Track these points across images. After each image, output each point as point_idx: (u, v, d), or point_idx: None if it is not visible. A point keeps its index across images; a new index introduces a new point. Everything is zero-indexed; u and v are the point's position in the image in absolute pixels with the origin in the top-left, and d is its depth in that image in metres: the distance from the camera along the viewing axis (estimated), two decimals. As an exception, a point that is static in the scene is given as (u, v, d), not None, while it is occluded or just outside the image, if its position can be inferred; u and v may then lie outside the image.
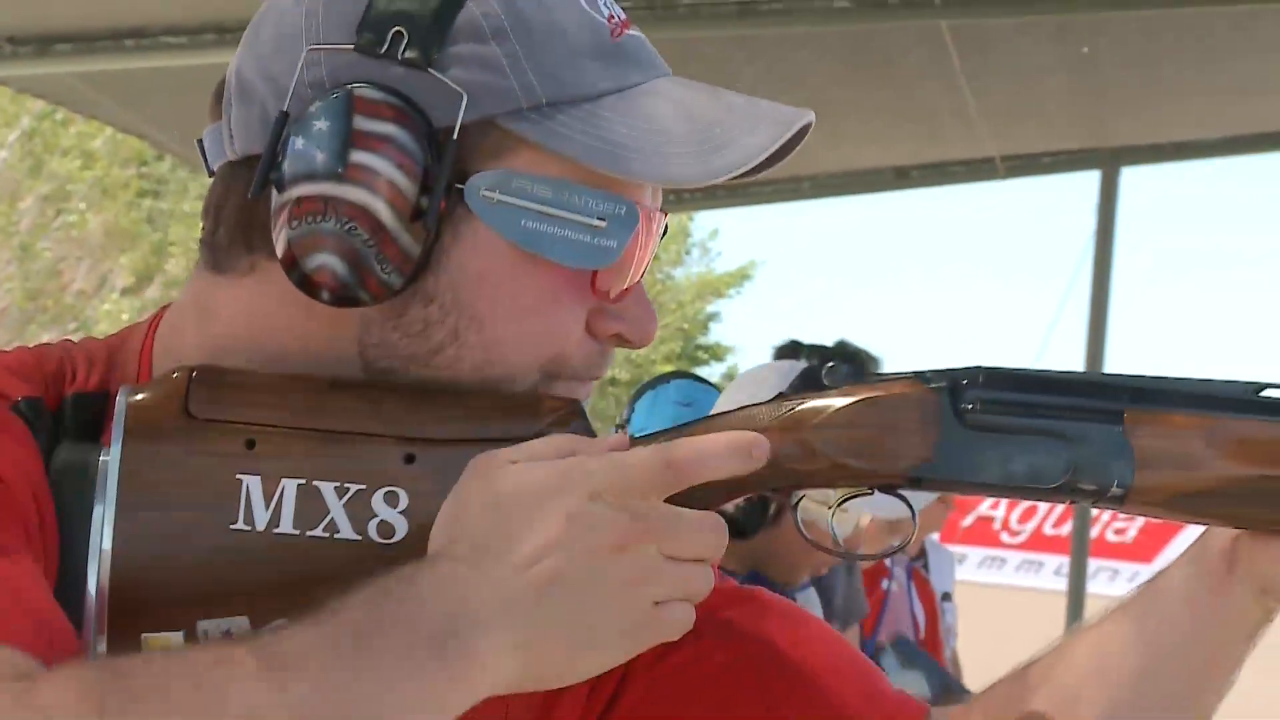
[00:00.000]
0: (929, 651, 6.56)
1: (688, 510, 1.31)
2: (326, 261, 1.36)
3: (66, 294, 22.86)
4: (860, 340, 4.80)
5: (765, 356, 4.36)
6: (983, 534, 13.69)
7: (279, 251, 1.37)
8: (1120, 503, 1.37)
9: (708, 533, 1.31)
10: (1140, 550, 13.80)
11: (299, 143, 1.36)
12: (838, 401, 1.37)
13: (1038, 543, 13.95)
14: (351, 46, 1.38)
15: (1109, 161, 8.09)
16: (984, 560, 13.64)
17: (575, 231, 1.38)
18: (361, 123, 1.35)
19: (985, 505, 13.72)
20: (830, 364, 1.39)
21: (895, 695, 1.56)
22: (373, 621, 1.22)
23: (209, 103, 1.48)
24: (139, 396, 1.37)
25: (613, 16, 1.43)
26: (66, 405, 1.42)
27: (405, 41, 1.37)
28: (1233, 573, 1.40)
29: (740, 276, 29.26)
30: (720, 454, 1.33)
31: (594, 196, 1.38)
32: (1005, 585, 13.37)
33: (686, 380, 4.44)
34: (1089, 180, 8.24)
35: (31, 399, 1.40)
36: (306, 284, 1.37)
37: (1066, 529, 11.13)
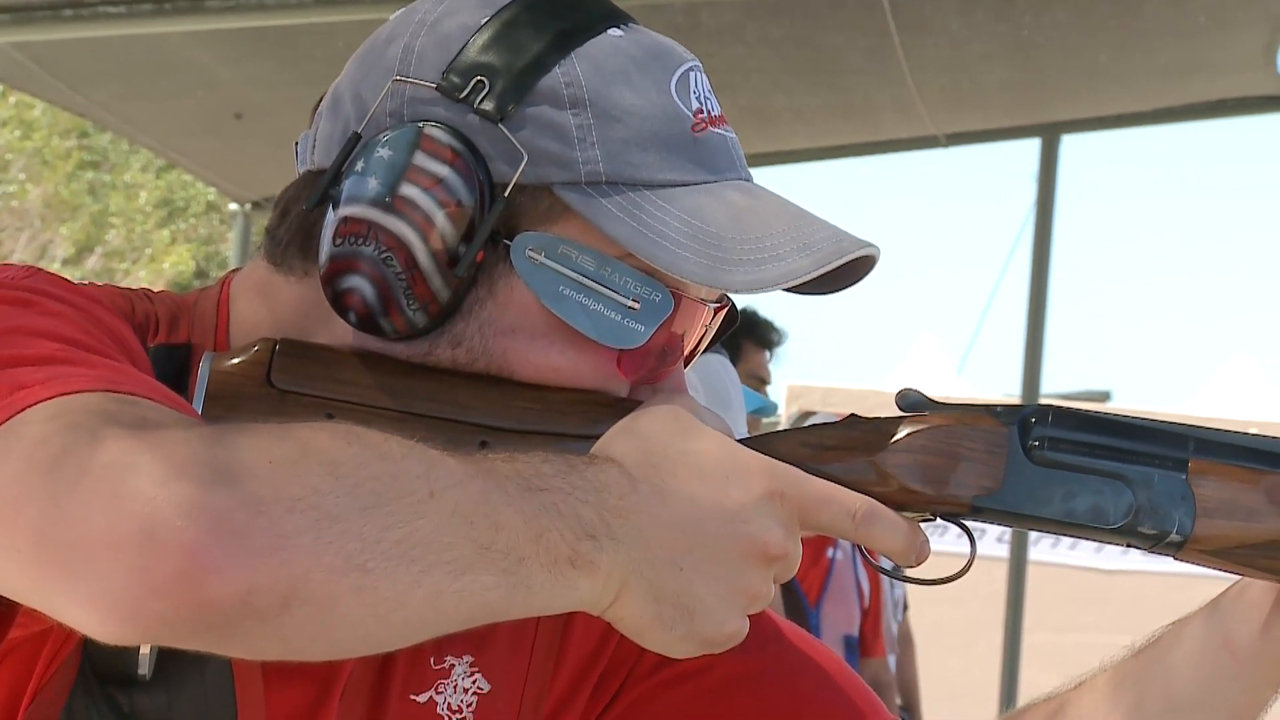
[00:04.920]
0: (871, 620, 6.59)
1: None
2: (359, 285, 1.40)
3: (6, 265, 22.67)
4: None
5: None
6: (925, 502, 13.77)
7: (321, 264, 1.41)
8: (1178, 548, 1.39)
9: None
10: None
11: (360, 165, 1.39)
12: (911, 427, 1.41)
13: (980, 510, 14.02)
14: (433, 86, 1.41)
15: (1049, 129, 8.12)
16: (926, 528, 13.72)
17: (608, 308, 1.40)
18: (420, 159, 1.38)
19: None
20: (903, 390, 1.43)
21: None
22: (555, 491, 1.24)
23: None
24: (225, 363, 1.41)
25: (702, 111, 1.44)
26: (150, 355, 1.43)
27: (485, 92, 1.40)
28: (1269, 628, 1.46)
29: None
30: (896, 537, 1.38)
31: (634, 278, 1.40)
32: (948, 553, 13.42)
33: None
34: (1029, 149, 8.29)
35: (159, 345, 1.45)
36: (338, 301, 1.41)
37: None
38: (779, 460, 1.35)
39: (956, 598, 9.05)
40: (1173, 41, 6.73)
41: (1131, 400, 16.63)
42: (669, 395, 1.41)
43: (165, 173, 22.48)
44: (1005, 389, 13.56)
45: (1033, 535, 8.71)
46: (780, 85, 6.76)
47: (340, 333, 1.44)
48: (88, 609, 1.11)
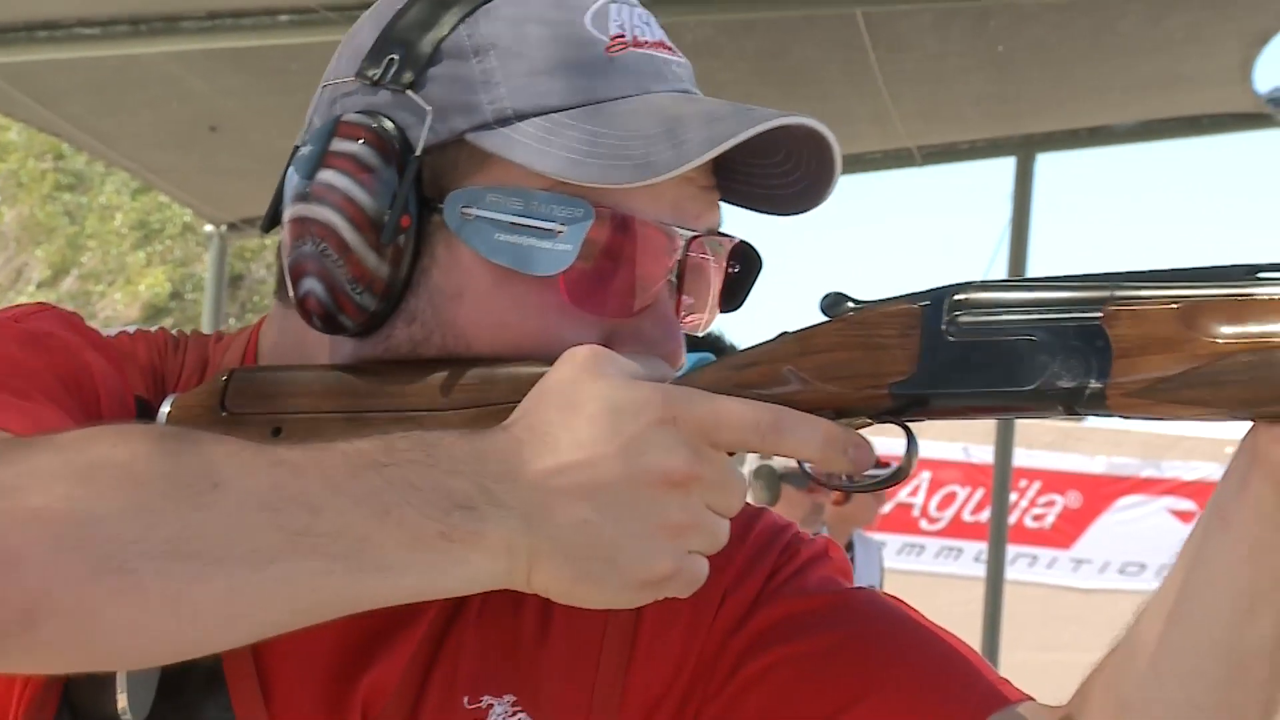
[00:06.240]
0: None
1: (735, 466, 1.29)
2: (311, 287, 1.41)
3: (-19, 287, 22.66)
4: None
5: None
6: (901, 521, 13.73)
7: (288, 282, 1.43)
8: (1101, 400, 1.29)
9: (743, 489, 1.29)
10: (1059, 537, 13.87)
11: (290, 171, 1.42)
12: (823, 326, 1.35)
13: (957, 529, 14.00)
14: (351, 78, 1.43)
15: (1024, 147, 8.13)
16: (903, 547, 13.69)
17: (540, 239, 1.38)
18: (335, 144, 1.40)
19: (905, 492, 13.77)
20: (826, 293, 1.36)
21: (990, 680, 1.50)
22: (406, 465, 1.20)
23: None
24: (182, 399, 1.44)
25: (623, 35, 1.43)
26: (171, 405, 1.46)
27: (395, 68, 1.41)
28: (1254, 474, 1.30)
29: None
30: (812, 440, 1.30)
31: (558, 203, 1.38)
32: (925, 572, 13.41)
33: None
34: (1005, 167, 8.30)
35: (143, 399, 1.45)
36: (303, 310, 1.42)
37: (985, 515, 11.18)
38: (705, 389, 1.30)
39: (933, 617, 9.02)
40: (1149, 56, 6.74)
41: (1108, 420, 16.61)
42: (645, 345, 1.39)
43: (141, 195, 22.42)
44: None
45: (1010, 553, 8.72)
46: (754, 95, 6.76)
47: (332, 346, 1.45)
48: None
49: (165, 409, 1.42)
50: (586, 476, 1.22)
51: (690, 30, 6.09)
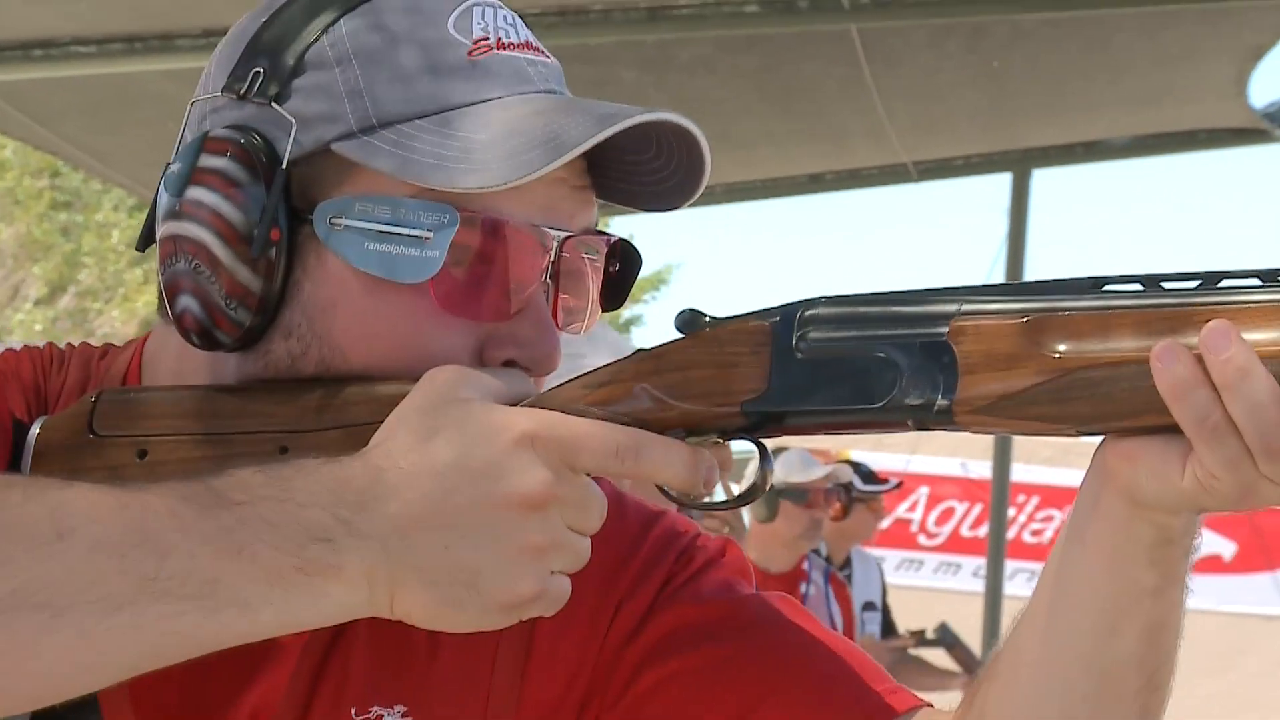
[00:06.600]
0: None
1: (594, 484, 1.30)
2: (186, 304, 1.41)
3: (-22, 305, 22.65)
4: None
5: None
6: (900, 536, 13.72)
7: (165, 301, 1.43)
8: (949, 416, 1.29)
9: (603, 508, 1.29)
10: (1057, 550, 13.87)
11: (160, 189, 1.42)
12: (682, 345, 1.35)
13: (955, 544, 13.99)
14: (219, 94, 1.43)
15: (1020, 163, 8.13)
16: (901, 563, 13.67)
17: (408, 247, 1.38)
18: (203, 160, 1.40)
19: (903, 507, 13.76)
20: (680, 311, 1.36)
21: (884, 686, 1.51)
22: (261, 502, 1.21)
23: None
24: (51, 421, 1.43)
25: (486, 38, 1.43)
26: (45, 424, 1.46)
27: (261, 80, 1.41)
28: (1105, 490, 1.29)
29: (657, 280, 29.23)
30: (673, 463, 1.31)
31: (424, 209, 1.38)
32: (923, 587, 13.39)
33: None
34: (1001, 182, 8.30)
35: (18, 420, 1.45)
36: (181, 328, 1.42)
37: (984, 530, 11.17)
38: (558, 409, 1.30)
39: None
40: (1144, 71, 6.74)
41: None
42: (516, 365, 1.39)
43: (138, 212, 22.39)
44: (980, 422, 13.51)
45: (1009, 569, 8.71)
46: (751, 110, 6.77)
47: (212, 363, 1.45)
48: None
49: (34, 431, 1.42)
50: (444, 502, 1.22)
51: (687, 48, 6.09)
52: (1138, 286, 1.26)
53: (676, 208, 1.46)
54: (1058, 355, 1.26)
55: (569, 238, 1.44)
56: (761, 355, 1.32)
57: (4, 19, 5.84)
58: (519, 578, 1.25)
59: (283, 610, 1.20)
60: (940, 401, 1.28)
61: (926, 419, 1.30)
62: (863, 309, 1.32)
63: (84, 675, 1.17)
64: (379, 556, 1.21)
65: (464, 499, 1.23)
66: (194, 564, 1.17)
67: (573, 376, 1.37)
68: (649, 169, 1.45)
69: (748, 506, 5.87)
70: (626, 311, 29.60)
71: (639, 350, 1.35)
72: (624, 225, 29.71)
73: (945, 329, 1.29)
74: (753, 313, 1.34)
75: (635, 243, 1.50)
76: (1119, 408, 1.24)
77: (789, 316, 1.33)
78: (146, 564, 1.16)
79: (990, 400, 1.27)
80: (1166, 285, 1.25)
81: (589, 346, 3.43)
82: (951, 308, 1.29)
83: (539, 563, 1.25)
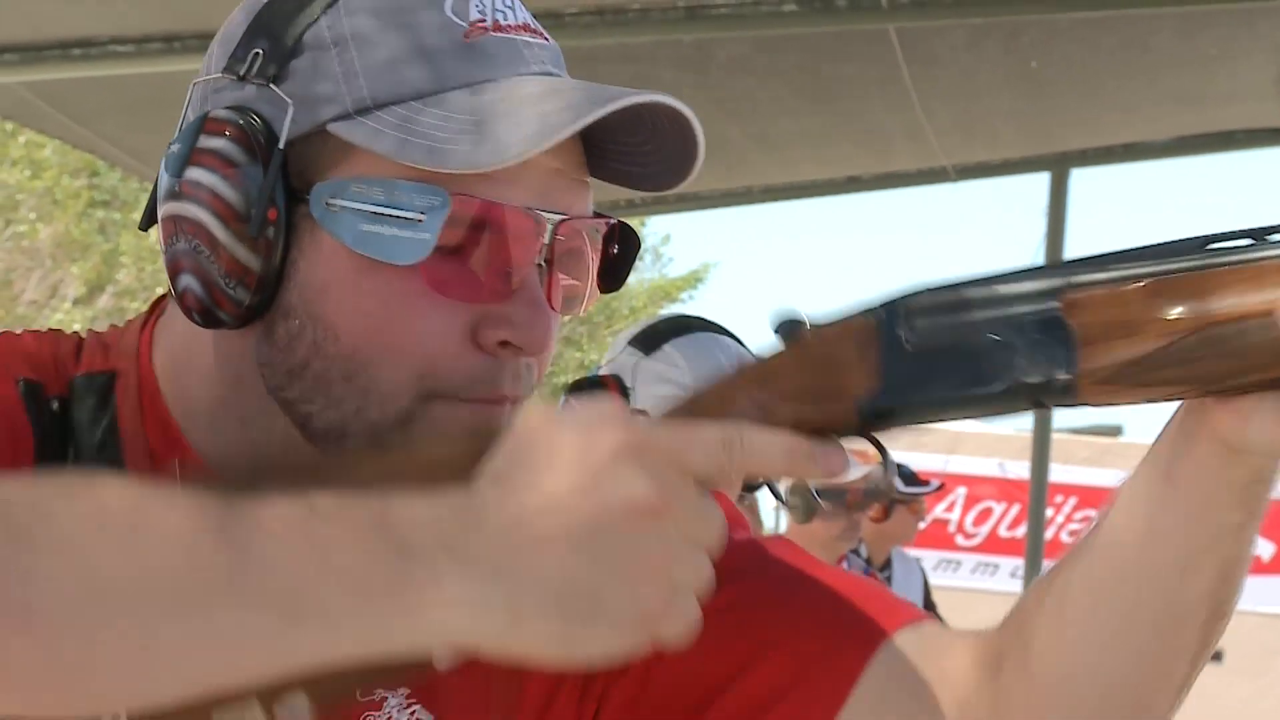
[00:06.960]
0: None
1: (711, 498, 1.22)
2: (188, 283, 1.43)
3: (18, 304, 22.74)
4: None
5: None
6: (937, 537, 13.72)
7: (169, 281, 1.45)
8: (1073, 390, 1.26)
9: (722, 522, 1.22)
10: (1094, 551, 13.84)
11: (161, 170, 1.44)
12: (779, 354, 1.32)
13: (993, 545, 13.99)
14: (221, 75, 1.45)
15: (1058, 163, 8.11)
16: (939, 563, 13.67)
17: (402, 228, 1.38)
18: (203, 141, 1.42)
19: (940, 508, 13.76)
20: (779, 319, 1.32)
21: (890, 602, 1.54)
22: (353, 513, 1.13)
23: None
24: None
25: (483, 20, 1.44)
26: (75, 383, 1.50)
27: (261, 61, 1.43)
28: (1201, 431, 1.28)
29: (693, 280, 29.26)
30: (788, 454, 1.26)
31: (418, 191, 1.38)
32: (961, 588, 13.39)
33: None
34: (1039, 182, 8.29)
35: (30, 380, 1.47)
36: (183, 306, 1.44)
37: (1021, 531, 11.15)
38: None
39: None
40: (1182, 72, 6.72)
41: (1144, 435, 16.63)
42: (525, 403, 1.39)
43: (176, 211, 22.48)
44: (1015, 424, 13.56)
45: (1047, 569, 8.67)
46: (788, 109, 6.76)
47: (216, 343, 1.47)
48: None
49: None
50: (555, 519, 1.15)
51: (724, 47, 6.09)
52: (1248, 241, 1.25)
53: (669, 187, 1.47)
54: (1178, 317, 1.24)
55: (564, 221, 1.44)
56: (870, 352, 1.29)
57: (43, 19, 5.86)
58: (645, 591, 1.16)
59: (370, 626, 1.12)
60: (1063, 376, 1.26)
61: (1049, 396, 1.27)
62: (965, 294, 1.30)
63: (141, 681, 1.10)
64: (488, 582, 1.13)
65: (573, 514, 1.15)
66: (275, 569, 1.10)
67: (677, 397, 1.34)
68: (641, 150, 1.47)
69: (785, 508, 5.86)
70: (662, 311, 29.59)
71: (741, 364, 1.33)
72: (662, 225, 29.75)
73: (1058, 303, 1.27)
74: (854, 311, 1.32)
75: (673, 243, 1.50)
76: (1248, 362, 1.23)
77: (893, 310, 1.30)
78: (221, 564, 1.09)
79: (1114, 369, 1.25)
80: (1271, 238, 1.24)
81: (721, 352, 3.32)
82: (1059, 281, 1.27)
83: (661, 576, 1.17)
